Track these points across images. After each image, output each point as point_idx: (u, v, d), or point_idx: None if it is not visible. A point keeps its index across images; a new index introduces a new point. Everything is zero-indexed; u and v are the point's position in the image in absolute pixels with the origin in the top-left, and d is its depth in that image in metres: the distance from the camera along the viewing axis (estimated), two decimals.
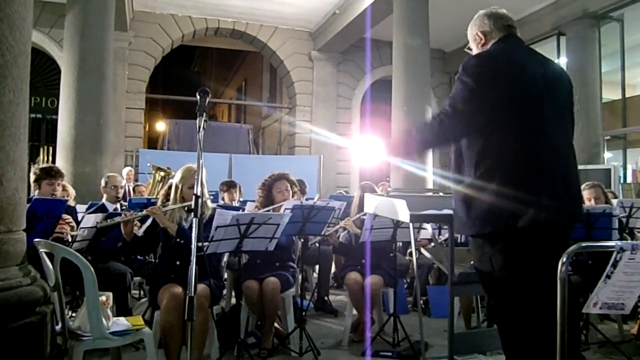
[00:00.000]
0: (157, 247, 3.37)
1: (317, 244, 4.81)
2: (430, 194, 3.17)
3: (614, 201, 4.34)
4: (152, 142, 18.06)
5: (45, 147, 11.40)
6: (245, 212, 4.06)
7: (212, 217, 3.09)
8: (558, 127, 1.98)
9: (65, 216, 3.56)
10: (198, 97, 2.37)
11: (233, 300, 4.27)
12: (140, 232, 3.40)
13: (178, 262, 3.12)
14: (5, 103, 2.17)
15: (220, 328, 3.32)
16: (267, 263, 3.71)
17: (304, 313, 3.83)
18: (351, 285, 3.88)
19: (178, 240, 3.14)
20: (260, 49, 12.64)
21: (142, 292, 5.00)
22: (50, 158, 10.62)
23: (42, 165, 3.92)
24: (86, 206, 4.69)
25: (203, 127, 2.35)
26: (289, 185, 3.98)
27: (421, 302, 4.44)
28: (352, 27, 10.61)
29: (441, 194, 2.85)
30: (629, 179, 9.29)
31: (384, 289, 4.04)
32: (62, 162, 6.83)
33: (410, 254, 4.79)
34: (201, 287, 2.87)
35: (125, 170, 8.85)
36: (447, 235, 3.52)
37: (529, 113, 1.92)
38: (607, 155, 9.65)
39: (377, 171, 10.01)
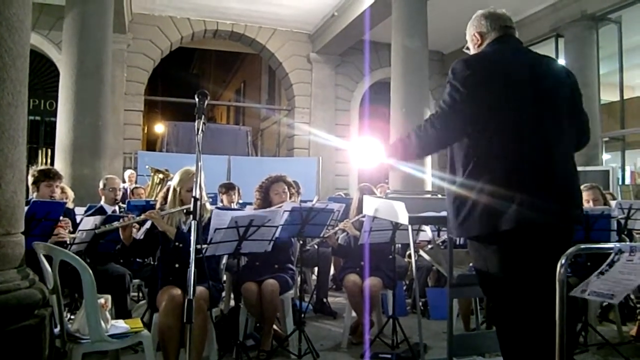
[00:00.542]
0: (157, 250, 3.37)
1: (316, 246, 4.81)
2: (429, 195, 3.17)
3: (613, 203, 4.34)
4: (151, 144, 18.06)
5: (44, 150, 11.40)
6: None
7: (211, 219, 3.08)
8: (551, 127, 1.96)
9: (62, 219, 3.55)
10: (197, 99, 2.36)
11: (232, 303, 4.27)
12: (139, 235, 3.40)
13: (177, 265, 3.12)
14: (3, 105, 2.17)
15: (219, 330, 3.32)
16: (266, 265, 3.70)
17: (302, 315, 3.83)
18: (350, 287, 3.88)
19: (177, 243, 3.14)
20: (258, 51, 12.64)
21: (141, 295, 4.99)
22: (49, 160, 10.60)
23: (40, 167, 3.91)
24: (85, 208, 4.69)
25: (202, 130, 2.35)
26: (286, 187, 3.99)
27: (420, 304, 4.44)
28: (351, 29, 10.62)
29: (440, 195, 2.84)
30: (627, 181, 9.32)
31: (383, 291, 4.03)
32: (60, 165, 6.82)
33: (409, 255, 4.79)
34: (200, 289, 2.88)
35: (127, 172, 8.86)
36: (445, 237, 3.52)
37: (516, 113, 1.92)
38: (606, 156, 9.65)
39: (376, 173, 10.00)
